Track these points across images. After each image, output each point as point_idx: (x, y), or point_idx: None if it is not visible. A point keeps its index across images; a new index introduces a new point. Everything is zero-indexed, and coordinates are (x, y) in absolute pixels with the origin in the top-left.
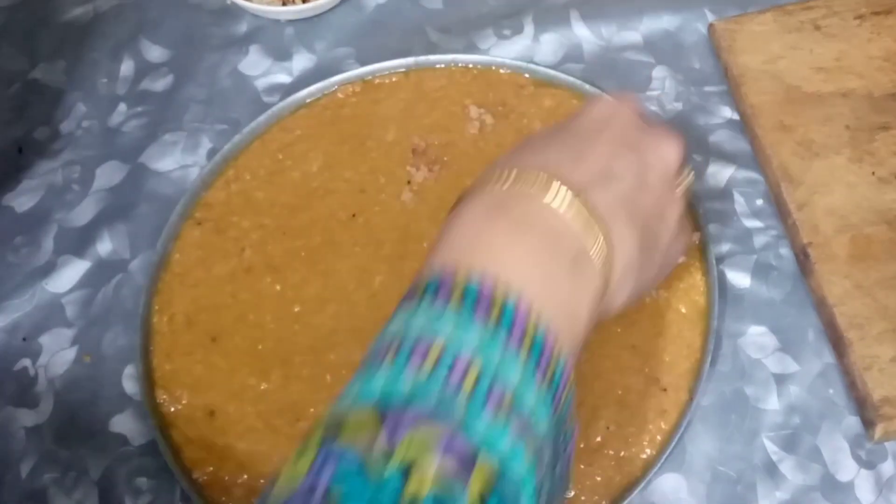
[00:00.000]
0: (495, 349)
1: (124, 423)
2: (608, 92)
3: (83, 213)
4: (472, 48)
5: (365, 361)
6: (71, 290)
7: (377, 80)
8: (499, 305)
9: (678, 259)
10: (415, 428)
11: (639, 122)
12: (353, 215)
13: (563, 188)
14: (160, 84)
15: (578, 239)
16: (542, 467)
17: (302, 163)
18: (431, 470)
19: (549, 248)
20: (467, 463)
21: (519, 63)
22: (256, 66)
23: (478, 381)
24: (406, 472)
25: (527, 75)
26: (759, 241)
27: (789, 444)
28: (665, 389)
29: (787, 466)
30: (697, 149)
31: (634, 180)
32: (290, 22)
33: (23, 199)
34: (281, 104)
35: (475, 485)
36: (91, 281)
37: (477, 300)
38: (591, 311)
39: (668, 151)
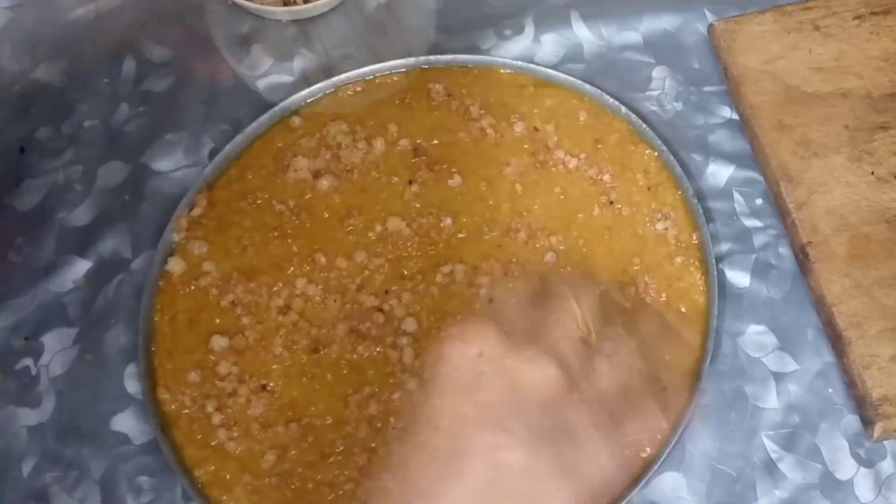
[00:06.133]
0: None
1: (126, 422)
2: (607, 89)
3: (85, 212)
4: (472, 48)
5: None
6: (73, 290)
7: (377, 80)
8: None
9: (643, 438)
10: None
11: (499, 352)
12: (355, 214)
13: None
14: (162, 84)
15: None
16: None
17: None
18: None
19: None
20: None
21: (519, 63)
22: (258, 66)
23: None
24: None
25: (527, 75)
26: (758, 240)
27: (789, 442)
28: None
29: (786, 465)
30: (697, 148)
31: (522, 437)
32: (292, 22)
33: (25, 199)
34: (282, 104)
35: None
36: (93, 280)
37: None
38: None
39: (539, 376)
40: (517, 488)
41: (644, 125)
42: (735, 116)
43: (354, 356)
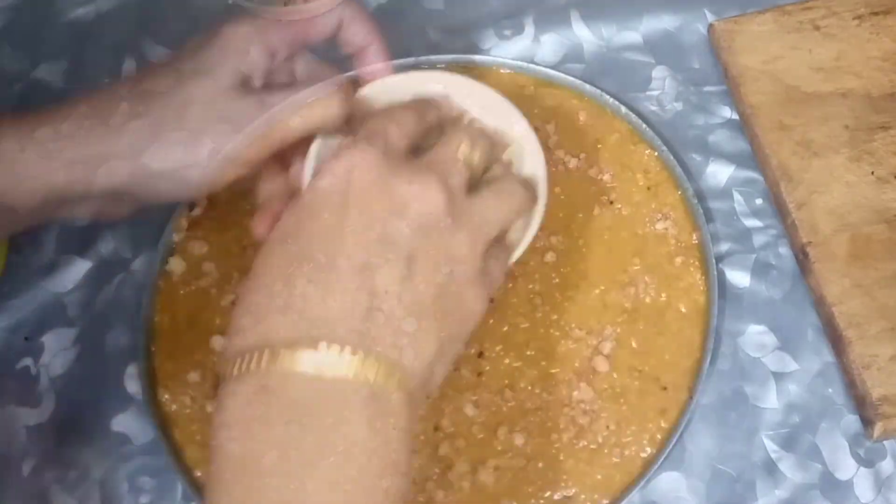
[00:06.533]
0: None
1: (126, 423)
2: (607, 89)
3: None
4: (472, 48)
5: None
6: (73, 290)
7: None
8: None
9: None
10: None
11: (380, 171)
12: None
13: (330, 353)
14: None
15: (365, 404)
16: None
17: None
18: None
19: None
20: None
21: (519, 63)
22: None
23: None
24: None
25: (527, 75)
26: (758, 240)
27: (788, 442)
28: (665, 388)
29: (786, 465)
30: (697, 149)
31: (402, 274)
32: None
33: None
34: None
35: None
36: (93, 280)
37: None
38: (404, 444)
39: (427, 200)
40: (391, 315)
41: (644, 125)
42: (735, 116)
43: None
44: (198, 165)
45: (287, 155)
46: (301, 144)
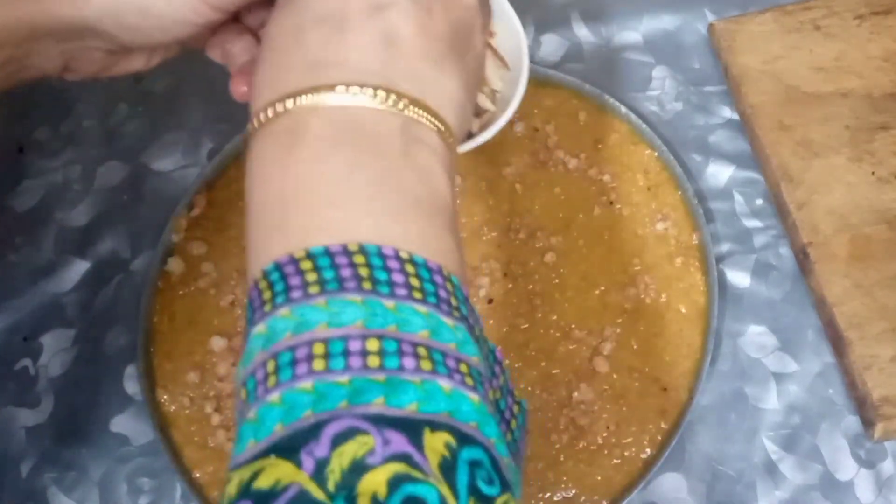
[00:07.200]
0: (379, 310)
1: (125, 423)
2: (607, 89)
3: (84, 212)
4: None
5: (246, 386)
6: (71, 290)
7: None
8: (367, 266)
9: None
10: (338, 437)
11: None
12: None
13: (348, 89)
14: (161, 84)
15: (401, 133)
16: (488, 398)
17: None
18: (377, 459)
19: (382, 164)
20: (412, 430)
21: None
22: None
23: (382, 352)
24: (352, 477)
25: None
26: (758, 240)
27: (789, 443)
28: (665, 389)
29: (786, 466)
30: (697, 149)
31: (415, 14)
32: None
33: (23, 199)
34: None
35: (432, 445)
36: (92, 281)
37: (338, 276)
38: (447, 181)
39: None
40: (410, 56)
41: (644, 125)
42: (735, 116)
43: None
44: None
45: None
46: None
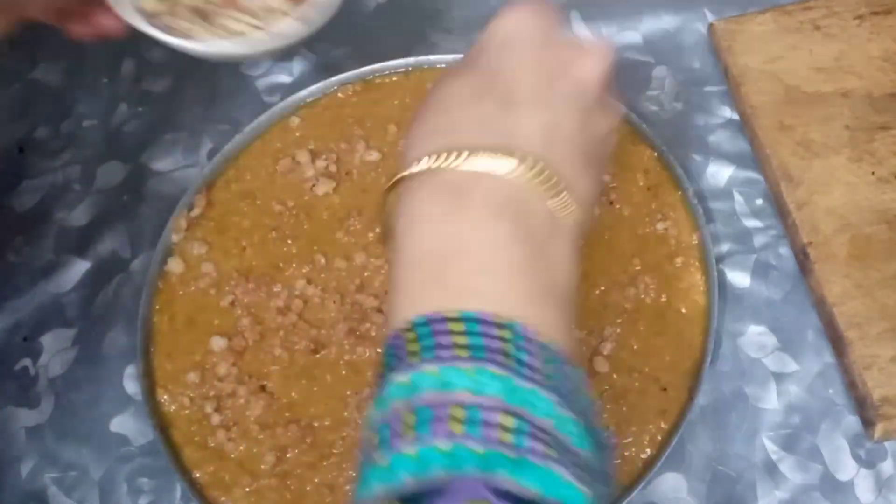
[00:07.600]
0: (516, 389)
1: (125, 424)
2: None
3: (84, 212)
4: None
5: (380, 433)
6: (71, 290)
7: (377, 80)
8: (506, 340)
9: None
10: (465, 499)
11: (549, 37)
12: (355, 215)
13: (522, 161)
14: (161, 84)
15: (550, 216)
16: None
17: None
18: None
19: (525, 238)
20: None
21: None
22: (257, 66)
23: (516, 430)
24: None
25: None
26: (758, 240)
27: (789, 443)
28: (665, 389)
29: (786, 466)
30: (697, 149)
31: (571, 114)
32: None
33: (23, 199)
34: (281, 104)
35: None
36: (92, 281)
37: (485, 345)
38: (577, 274)
39: (591, 68)
40: (565, 149)
41: (644, 125)
42: (735, 116)
43: (354, 357)
44: None
45: None
46: None
